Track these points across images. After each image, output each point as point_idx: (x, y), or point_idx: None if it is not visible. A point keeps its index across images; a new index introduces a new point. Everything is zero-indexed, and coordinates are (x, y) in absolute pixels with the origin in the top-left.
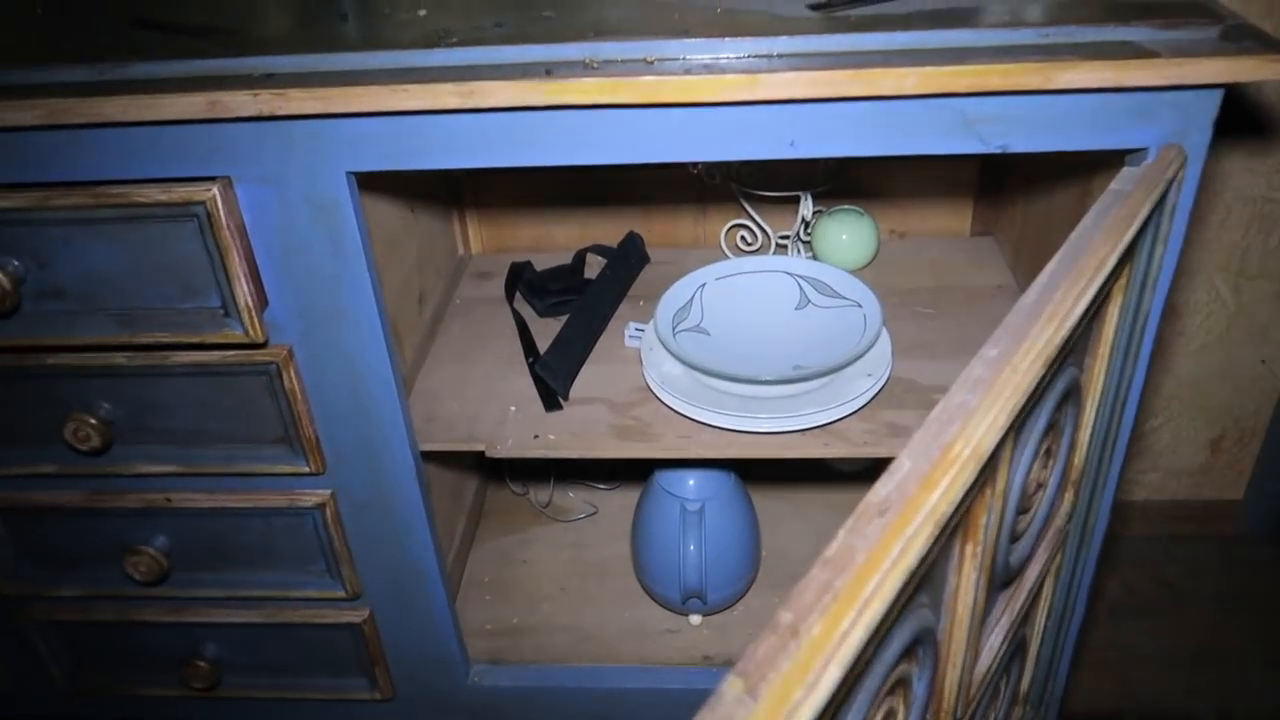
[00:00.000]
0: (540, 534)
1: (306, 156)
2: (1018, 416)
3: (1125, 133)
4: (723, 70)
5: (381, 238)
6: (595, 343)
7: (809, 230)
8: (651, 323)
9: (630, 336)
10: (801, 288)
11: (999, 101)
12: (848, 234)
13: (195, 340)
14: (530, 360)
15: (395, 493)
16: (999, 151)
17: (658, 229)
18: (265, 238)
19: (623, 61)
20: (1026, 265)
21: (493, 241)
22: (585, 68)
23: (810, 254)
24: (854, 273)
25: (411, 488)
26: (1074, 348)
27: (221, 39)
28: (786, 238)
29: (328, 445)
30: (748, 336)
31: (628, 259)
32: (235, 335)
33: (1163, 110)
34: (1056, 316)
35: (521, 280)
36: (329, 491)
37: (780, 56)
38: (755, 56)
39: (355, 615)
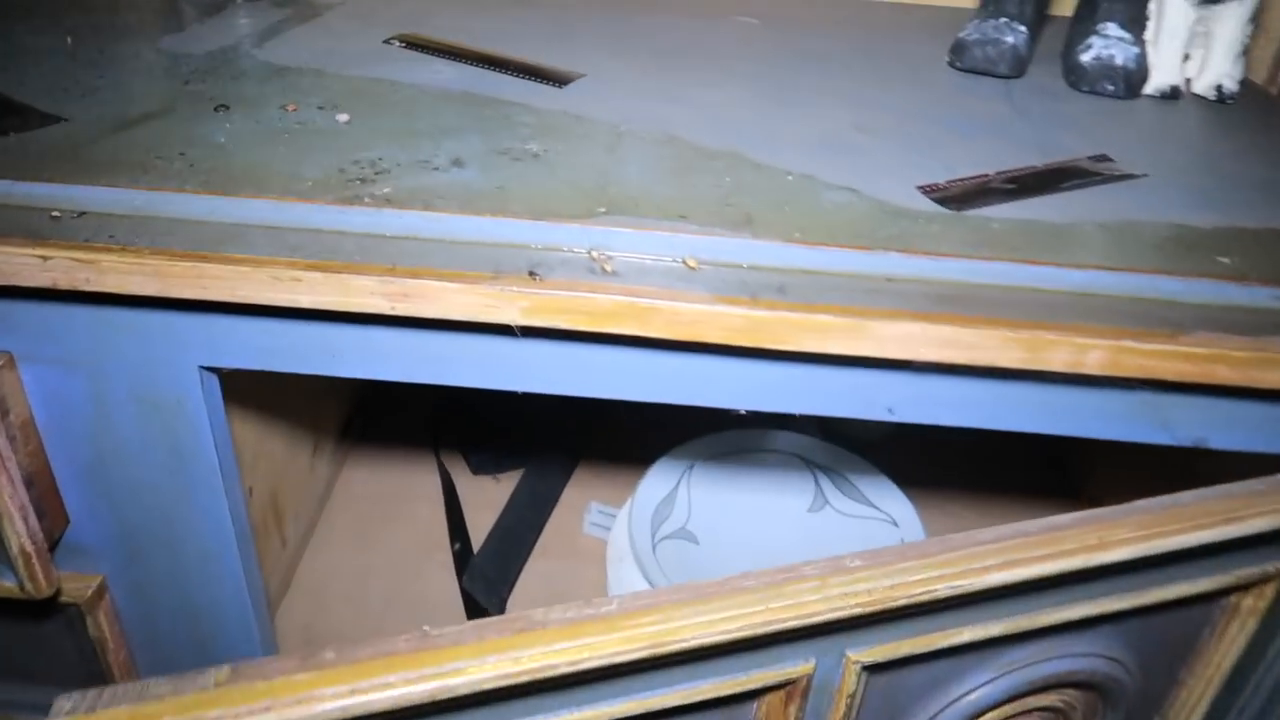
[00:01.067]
0: None
1: (136, 343)
2: None
3: None
4: (811, 306)
5: (256, 402)
6: (543, 528)
7: None
8: (624, 520)
9: (591, 523)
10: (818, 481)
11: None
12: None
13: None
14: (456, 547)
15: None
16: (1190, 445)
17: None
18: (67, 438)
19: (650, 262)
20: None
21: None
22: (592, 265)
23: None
24: (874, 447)
25: None
26: None
27: (15, 134)
28: None
29: None
30: (747, 550)
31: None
32: (5, 587)
33: None
34: None
35: (451, 423)
36: None
37: (891, 282)
38: (856, 277)
39: None
